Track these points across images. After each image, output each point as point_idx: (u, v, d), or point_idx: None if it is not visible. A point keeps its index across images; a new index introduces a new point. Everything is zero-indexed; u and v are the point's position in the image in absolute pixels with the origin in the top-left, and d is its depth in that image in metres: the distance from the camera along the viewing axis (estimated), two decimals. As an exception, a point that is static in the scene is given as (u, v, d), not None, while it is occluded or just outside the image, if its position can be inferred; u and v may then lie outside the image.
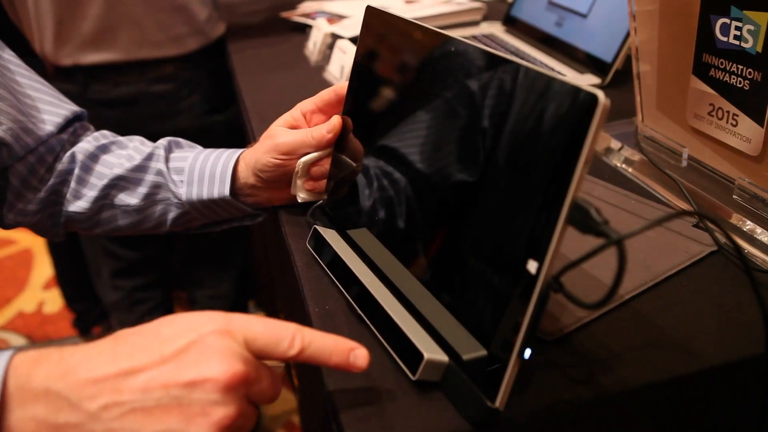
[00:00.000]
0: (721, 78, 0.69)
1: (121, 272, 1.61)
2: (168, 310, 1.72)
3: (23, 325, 2.28)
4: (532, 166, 0.46)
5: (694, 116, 0.74)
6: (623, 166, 0.82)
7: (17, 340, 2.24)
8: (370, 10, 0.68)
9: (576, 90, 0.43)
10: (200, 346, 0.42)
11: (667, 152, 0.78)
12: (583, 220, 0.42)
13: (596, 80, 1.05)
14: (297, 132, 0.71)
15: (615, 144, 0.84)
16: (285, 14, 1.44)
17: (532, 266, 0.45)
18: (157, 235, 1.55)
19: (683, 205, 0.73)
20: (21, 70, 0.77)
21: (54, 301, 2.42)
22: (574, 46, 1.12)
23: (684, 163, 0.76)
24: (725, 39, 0.67)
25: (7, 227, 0.79)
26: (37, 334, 2.27)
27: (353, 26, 1.28)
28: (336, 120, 0.70)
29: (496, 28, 1.33)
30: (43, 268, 2.60)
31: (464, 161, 0.54)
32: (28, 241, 2.76)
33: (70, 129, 0.79)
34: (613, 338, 0.56)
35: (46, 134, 0.75)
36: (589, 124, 0.41)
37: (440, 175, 0.56)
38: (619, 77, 1.04)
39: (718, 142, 0.71)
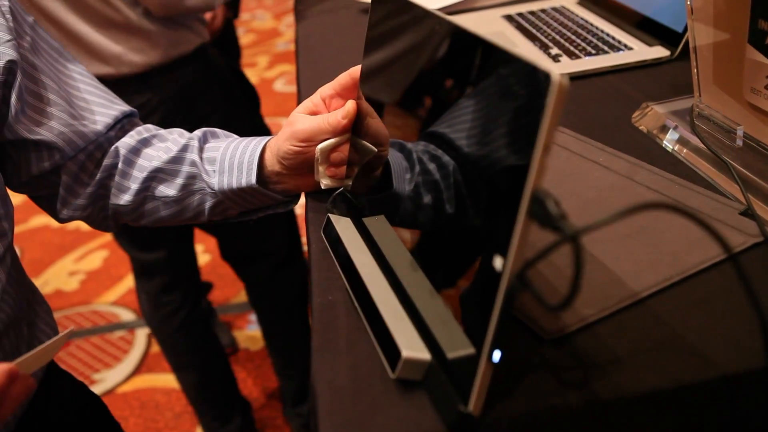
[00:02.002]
0: (776, 47, 0.61)
1: (140, 274, 1.64)
2: (191, 311, 1.70)
3: (132, 300, 2.44)
4: (497, 155, 0.42)
5: (750, 90, 0.66)
6: (677, 147, 0.75)
7: (127, 314, 2.40)
8: None
9: (531, 69, 0.39)
10: None
11: (723, 132, 0.70)
12: (542, 213, 0.39)
13: (665, 53, 0.96)
14: (314, 118, 0.70)
15: (670, 123, 0.77)
16: (356, -5, 1.43)
17: (498, 263, 0.42)
18: (168, 237, 1.61)
19: (735, 191, 0.65)
20: (84, 78, 0.81)
21: (162, 279, 2.56)
22: (646, 16, 1.04)
23: (739, 143, 0.68)
24: (780, 2, 0.59)
25: (62, 221, 0.84)
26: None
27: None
28: (351, 105, 0.68)
29: (568, 1, 1.26)
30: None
31: (453, 147, 0.51)
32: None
33: (118, 126, 0.82)
34: (618, 340, 0.51)
35: (96, 134, 0.79)
36: (543, 107, 0.37)
37: (447, 160, 0.53)
38: (687, 49, 0.95)
39: (775, 119, 0.63)
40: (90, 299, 2.50)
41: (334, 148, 0.71)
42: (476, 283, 0.48)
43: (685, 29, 0.94)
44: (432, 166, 0.62)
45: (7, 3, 0.70)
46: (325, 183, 0.73)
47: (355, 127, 0.69)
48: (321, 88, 0.73)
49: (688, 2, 0.72)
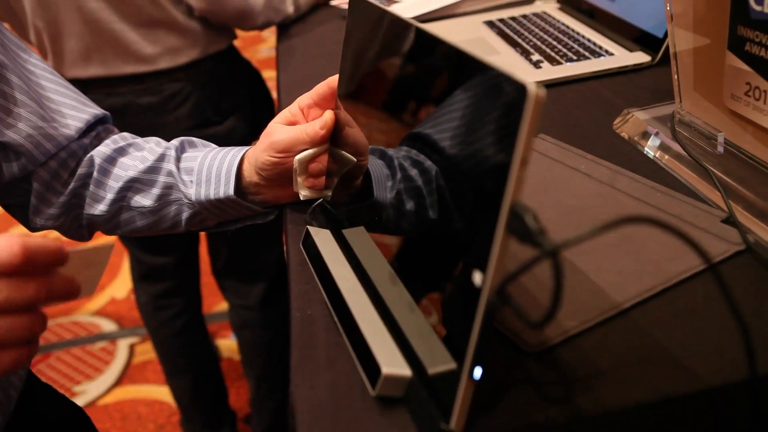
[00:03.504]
0: (756, 53, 0.61)
1: (144, 277, 1.62)
2: (193, 317, 1.69)
3: (114, 311, 2.41)
4: (474, 168, 0.42)
5: (731, 97, 0.66)
6: (658, 154, 0.74)
7: (108, 325, 2.37)
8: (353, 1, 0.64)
9: (506, 79, 0.38)
10: None
11: (703, 138, 0.70)
12: (520, 228, 0.38)
13: (646, 58, 0.96)
14: (292, 129, 0.69)
15: (651, 129, 0.76)
16: (335, 2, 1.42)
17: (477, 278, 0.41)
18: (180, 243, 1.59)
19: (717, 198, 0.65)
20: (46, 74, 0.78)
21: (145, 289, 2.53)
22: (627, 21, 1.03)
23: (720, 149, 0.67)
24: (760, 9, 0.59)
25: (34, 230, 0.82)
26: (126, 320, 2.38)
27: (413, 7, 1.24)
28: (329, 115, 0.67)
29: (549, 6, 1.25)
30: (137, 256, 2.73)
31: (428, 158, 0.50)
32: (124, 230, 2.90)
33: (93, 133, 0.80)
34: (601, 353, 0.50)
35: (67, 139, 0.76)
36: (519, 120, 0.36)
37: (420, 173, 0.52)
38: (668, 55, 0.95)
39: (756, 125, 0.63)
40: (70, 310, 2.47)
41: (312, 159, 0.70)
42: (456, 293, 0.47)
43: (666, 35, 0.94)
44: (414, 172, 0.61)
45: None
46: (303, 194, 0.72)
47: (334, 137, 0.68)
48: (299, 98, 0.72)
49: (668, 8, 0.72)
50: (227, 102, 1.41)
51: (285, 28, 1.42)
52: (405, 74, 0.56)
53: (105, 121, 0.82)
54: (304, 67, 1.17)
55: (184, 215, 0.78)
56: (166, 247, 1.57)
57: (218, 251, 1.63)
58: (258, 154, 0.71)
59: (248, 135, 1.43)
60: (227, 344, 2.22)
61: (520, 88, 0.36)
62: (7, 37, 0.75)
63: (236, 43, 1.45)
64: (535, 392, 0.48)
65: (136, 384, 2.12)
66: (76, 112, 0.78)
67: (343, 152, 0.67)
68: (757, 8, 0.59)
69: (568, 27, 1.13)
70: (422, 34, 0.52)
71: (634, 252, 0.60)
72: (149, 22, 1.26)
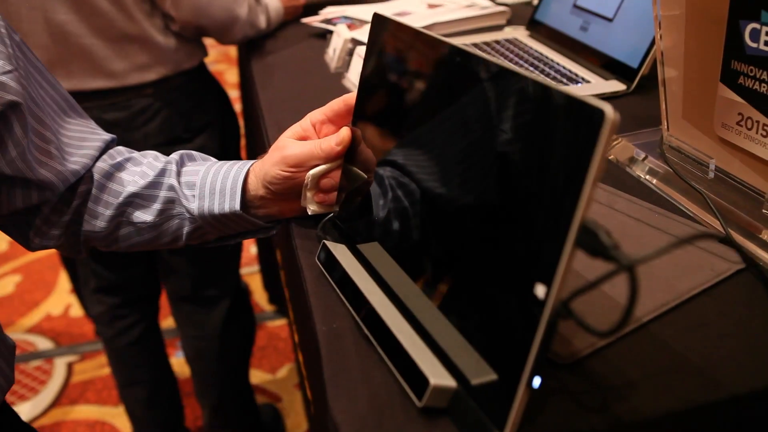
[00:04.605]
0: (750, 86, 0.66)
1: (101, 289, 1.57)
2: (149, 326, 1.66)
3: (50, 328, 2.31)
4: (539, 186, 0.44)
5: (721, 126, 0.70)
6: (647, 177, 0.79)
7: (44, 343, 2.27)
8: (377, 17, 0.66)
9: (581, 104, 0.40)
10: None
11: (693, 163, 0.75)
12: (592, 243, 0.40)
13: (621, 87, 1.01)
14: (306, 144, 0.70)
15: (639, 154, 0.81)
16: (306, 20, 1.43)
17: (540, 291, 0.43)
18: (141, 258, 1.56)
19: (710, 220, 0.69)
20: (62, 102, 0.77)
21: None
22: (599, 51, 1.09)
23: (711, 175, 0.72)
24: (755, 45, 0.64)
25: (32, 249, 0.80)
26: (63, 338, 2.29)
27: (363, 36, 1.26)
28: (345, 132, 0.68)
29: (520, 33, 1.30)
30: (72, 271, 2.64)
31: (473, 178, 0.51)
32: (58, 244, 2.79)
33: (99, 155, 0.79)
34: (629, 364, 0.53)
35: (84, 168, 0.76)
36: (596, 141, 0.39)
37: (450, 192, 0.54)
38: (645, 83, 1.01)
39: (747, 153, 0.68)
40: (2, 327, 2.35)
41: (324, 175, 0.70)
42: (499, 305, 0.48)
43: (640, 65, 1.00)
44: (400, 193, 0.63)
45: (2, 23, 0.65)
46: (312, 209, 0.72)
47: (347, 154, 0.69)
48: (311, 113, 0.72)
49: (659, 39, 0.76)
50: (197, 119, 1.39)
51: (256, 45, 1.42)
52: (437, 94, 0.58)
53: (111, 145, 0.81)
54: (284, 85, 1.18)
55: (185, 229, 0.78)
56: (126, 263, 1.53)
57: (175, 276, 1.59)
58: (268, 167, 0.71)
59: (219, 153, 1.41)
60: (173, 363, 2.17)
61: (597, 113, 0.39)
62: (30, 61, 0.72)
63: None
64: (573, 401, 0.50)
65: (76, 404, 2.04)
66: (89, 143, 0.77)
67: (356, 169, 0.68)
68: (752, 45, 0.64)
69: (541, 54, 1.18)
70: (464, 54, 0.54)
71: (643, 270, 0.63)
72: (121, 37, 1.24)
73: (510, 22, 1.40)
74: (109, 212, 0.77)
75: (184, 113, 1.37)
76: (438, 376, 0.49)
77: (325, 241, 0.67)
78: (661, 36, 0.76)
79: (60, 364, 2.18)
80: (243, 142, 1.98)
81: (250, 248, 2.54)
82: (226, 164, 0.76)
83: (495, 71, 0.50)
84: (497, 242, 0.48)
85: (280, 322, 2.32)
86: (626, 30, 1.05)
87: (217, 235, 0.79)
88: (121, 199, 0.76)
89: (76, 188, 0.76)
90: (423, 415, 0.50)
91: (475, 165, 0.51)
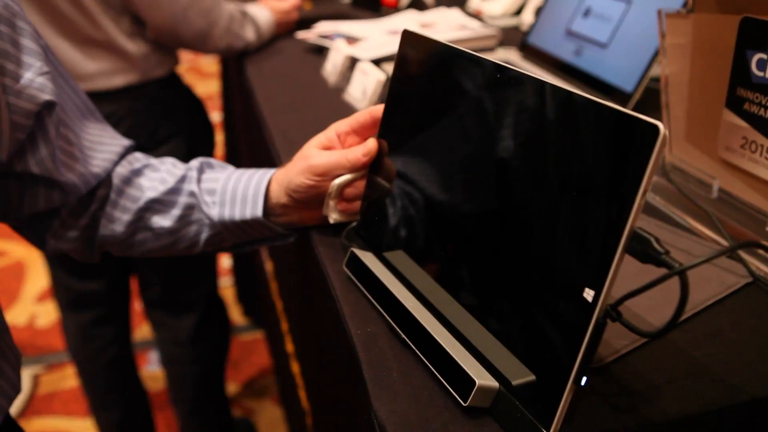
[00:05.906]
0: (756, 112, 0.70)
1: (72, 305, 1.54)
2: (122, 349, 1.63)
3: (14, 339, 2.25)
4: (587, 195, 0.46)
5: (725, 149, 0.75)
6: (651, 195, 0.83)
7: (14, 353, 2.22)
8: (407, 33, 0.69)
9: (635, 120, 0.43)
10: None
11: (696, 183, 0.79)
12: (644, 250, 0.43)
13: (617, 109, 1.06)
14: (332, 153, 0.72)
15: (641, 173, 0.85)
16: (301, 35, 1.45)
17: (588, 294, 0.45)
18: (110, 268, 1.55)
19: (715, 237, 0.73)
20: (83, 106, 0.78)
21: (47, 315, 2.39)
22: (592, 75, 1.13)
23: (714, 195, 0.76)
24: (761, 74, 0.68)
25: (47, 252, 0.80)
26: (28, 349, 2.24)
27: (373, 48, 1.29)
28: (372, 143, 0.70)
29: (512, 55, 1.35)
30: (36, 280, 2.57)
31: (507, 188, 0.54)
32: (20, 252, 2.73)
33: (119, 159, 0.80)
34: (651, 369, 0.56)
35: (105, 171, 0.77)
36: (650, 155, 0.42)
37: (483, 200, 0.56)
38: (637, 108, 1.05)
39: (750, 175, 0.72)
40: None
41: (348, 184, 0.72)
42: (526, 312, 0.51)
43: (635, 89, 1.04)
44: (406, 201, 0.66)
45: (29, 27, 0.66)
46: (334, 218, 0.74)
47: (372, 164, 0.71)
48: (335, 124, 0.74)
49: (664, 64, 0.81)
50: (164, 130, 1.39)
51: (251, 59, 1.43)
52: (475, 110, 0.60)
53: (130, 150, 0.82)
54: (284, 98, 1.19)
55: (203, 236, 0.79)
56: (95, 272, 1.51)
57: (149, 281, 1.58)
58: (292, 176, 0.73)
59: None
60: (144, 375, 2.14)
61: (652, 128, 0.42)
62: (56, 65, 0.73)
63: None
64: (604, 403, 0.53)
65: (42, 416, 1.99)
66: (110, 145, 0.78)
67: (381, 179, 0.71)
68: (759, 74, 0.69)
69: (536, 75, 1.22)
70: (504, 71, 0.56)
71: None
72: (87, 40, 1.24)
73: (502, 44, 1.44)
74: (126, 217, 0.77)
75: (150, 123, 1.36)
76: (481, 377, 0.51)
77: (353, 249, 0.68)
78: (665, 62, 0.80)
79: (25, 376, 2.13)
80: (221, 152, 1.97)
81: (223, 261, 2.53)
82: (247, 172, 0.77)
83: (543, 88, 0.52)
84: (544, 250, 0.50)
85: (255, 336, 2.31)
86: (621, 56, 1.09)
87: (234, 242, 0.80)
88: (140, 204, 0.77)
89: (95, 192, 0.77)
90: (467, 414, 0.52)
91: (522, 176, 0.54)
